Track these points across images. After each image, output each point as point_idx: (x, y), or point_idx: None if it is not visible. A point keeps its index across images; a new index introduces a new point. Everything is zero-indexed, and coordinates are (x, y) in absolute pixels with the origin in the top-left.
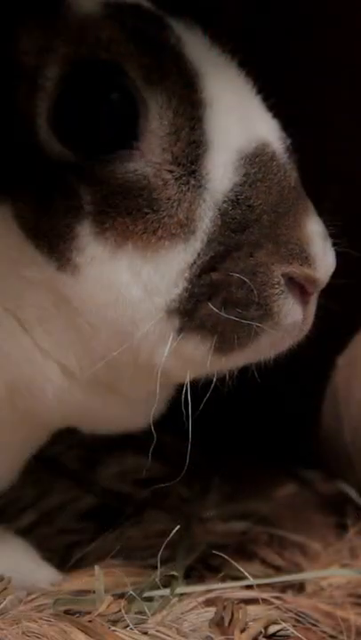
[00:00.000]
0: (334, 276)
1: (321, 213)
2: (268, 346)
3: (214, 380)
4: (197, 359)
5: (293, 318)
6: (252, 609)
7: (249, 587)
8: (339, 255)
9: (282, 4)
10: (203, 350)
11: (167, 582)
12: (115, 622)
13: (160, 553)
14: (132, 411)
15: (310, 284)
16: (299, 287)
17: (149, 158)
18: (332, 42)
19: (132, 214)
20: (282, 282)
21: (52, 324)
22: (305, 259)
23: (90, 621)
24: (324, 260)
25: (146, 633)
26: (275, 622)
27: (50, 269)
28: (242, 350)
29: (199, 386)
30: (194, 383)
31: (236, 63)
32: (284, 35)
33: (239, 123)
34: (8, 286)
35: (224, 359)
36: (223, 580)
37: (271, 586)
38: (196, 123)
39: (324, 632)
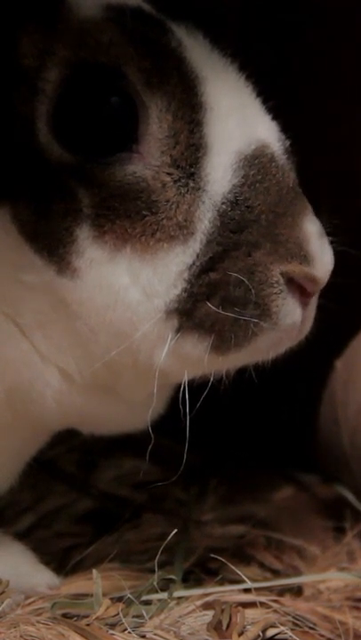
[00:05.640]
0: (334, 277)
1: (320, 213)
2: (266, 346)
3: (211, 380)
4: (195, 358)
5: (292, 319)
6: (250, 612)
7: (247, 590)
8: (338, 256)
9: (281, 8)
10: (200, 349)
11: (165, 586)
12: (113, 626)
13: (158, 556)
14: (132, 412)
15: (310, 282)
16: (299, 288)
17: (148, 161)
18: (330, 44)
19: (131, 217)
20: (281, 281)
21: (51, 329)
22: (303, 257)
23: (88, 625)
24: (322, 257)
25: (144, 636)
26: (273, 626)
27: (49, 273)
28: (239, 350)
29: (197, 388)
30: (192, 385)
31: (236, 67)
32: (282, 38)
33: (239, 125)
34: (7, 291)
35: (221, 358)
36: (221, 583)
37: (269, 589)
38: (196, 126)
39: (323, 635)
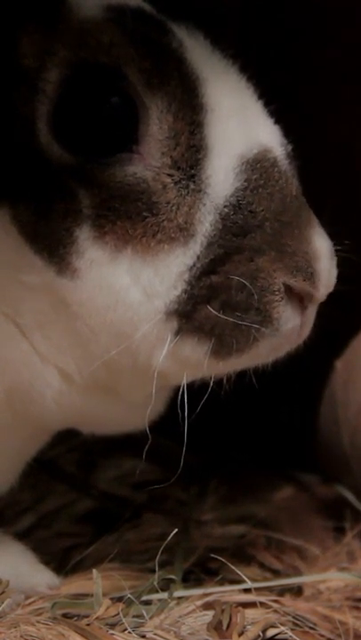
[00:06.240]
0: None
1: (321, 217)
2: (266, 351)
3: (211, 383)
4: (194, 361)
5: (292, 324)
6: (250, 612)
7: (247, 590)
8: (338, 259)
9: (281, 8)
10: (200, 353)
11: (165, 586)
12: (113, 626)
13: (158, 556)
14: (131, 412)
15: (308, 298)
16: (297, 297)
17: (149, 162)
18: (331, 44)
19: (132, 218)
20: (282, 289)
21: (51, 329)
22: (310, 275)
23: (88, 625)
24: (327, 279)
25: (144, 636)
26: (273, 626)
27: (49, 273)
28: (240, 355)
29: (197, 389)
30: (192, 386)
31: (237, 68)
32: (282, 38)
33: (240, 128)
34: (7, 292)
35: (221, 363)
36: (221, 583)
37: (269, 589)
38: (197, 127)
39: (323, 635)
